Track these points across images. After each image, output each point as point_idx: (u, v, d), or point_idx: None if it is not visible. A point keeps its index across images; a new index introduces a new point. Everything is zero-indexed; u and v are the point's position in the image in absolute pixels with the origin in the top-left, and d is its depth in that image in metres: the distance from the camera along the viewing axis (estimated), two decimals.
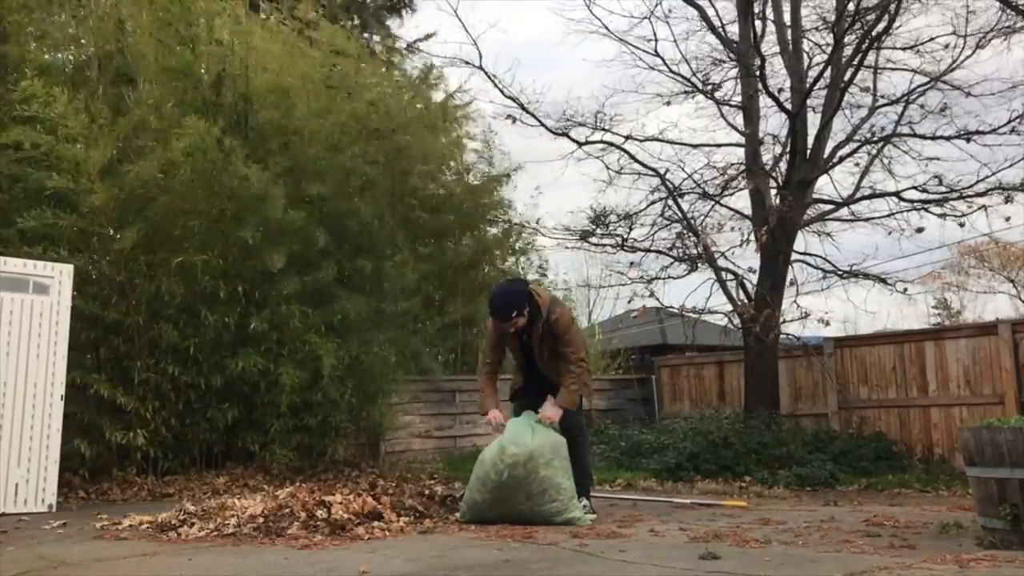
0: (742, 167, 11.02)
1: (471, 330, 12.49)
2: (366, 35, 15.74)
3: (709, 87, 11.30)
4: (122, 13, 8.71)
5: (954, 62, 10.31)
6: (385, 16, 17.29)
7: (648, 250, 11.32)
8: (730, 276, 10.73)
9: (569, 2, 22.27)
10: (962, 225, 10.27)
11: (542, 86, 29.14)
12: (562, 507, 5.54)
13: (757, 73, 9.98)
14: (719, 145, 11.54)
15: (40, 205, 7.56)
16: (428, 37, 16.25)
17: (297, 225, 8.57)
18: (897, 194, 10.58)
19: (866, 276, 11.00)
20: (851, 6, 9.66)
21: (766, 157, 11.10)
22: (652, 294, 11.31)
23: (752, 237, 10.35)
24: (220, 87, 8.83)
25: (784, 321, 10.37)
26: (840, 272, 11.04)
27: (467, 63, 11.44)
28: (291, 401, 8.21)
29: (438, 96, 12.07)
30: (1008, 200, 9.80)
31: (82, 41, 8.61)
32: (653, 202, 11.35)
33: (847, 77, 10.22)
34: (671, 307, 12.18)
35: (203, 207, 8.38)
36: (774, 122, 19.53)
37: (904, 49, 11.04)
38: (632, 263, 11.52)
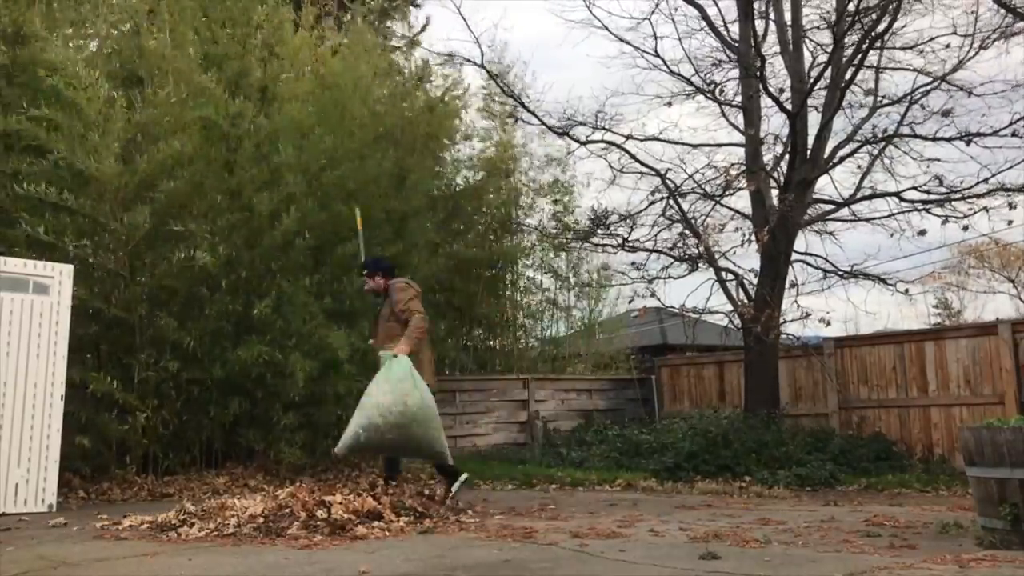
0: (743, 167, 11.02)
1: (478, 328, 12.57)
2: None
3: (710, 87, 11.30)
4: (142, 10, 8.80)
5: (959, 62, 10.31)
6: (388, 16, 17.24)
7: (649, 250, 11.32)
8: (730, 276, 10.74)
9: (569, 3, 22.29)
10: (965, 228, 10.27)
11: (543, 85, 29.30)
12: (438, 435, 6.39)
13: (758, 73, 9.97)
14: (720, 145, 11.56)
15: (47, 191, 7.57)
16: (424, 28, 16.14)
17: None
18: (898, 194, 10.58)
19: (866, 276, 11.00)
20: (851, 6, 9.65)
21: (767, 157, 11.11)
22: (653, 294, 11.33)
23: (752, 237, 10.35)
24: (239, 83, 8.91)
25: (784, 321, 10.37)
26: (840, 272, 11.04)
27: (469, 60, 11.48)
28: (303, 392, 8.15)
29: (454, 97, 12.16)
30: (1012, 206, 9.80)
31: (100, 34, 8.67)
32: (654, 202, 11.36)
33: (848, 77, 10.21)
34: (671, 307, 12.18)
35: (210, 191, 8.45)
36: (775, 122, 19.51)
37: (905, 49, 11.03)
38: (633, 263, 11.53)
